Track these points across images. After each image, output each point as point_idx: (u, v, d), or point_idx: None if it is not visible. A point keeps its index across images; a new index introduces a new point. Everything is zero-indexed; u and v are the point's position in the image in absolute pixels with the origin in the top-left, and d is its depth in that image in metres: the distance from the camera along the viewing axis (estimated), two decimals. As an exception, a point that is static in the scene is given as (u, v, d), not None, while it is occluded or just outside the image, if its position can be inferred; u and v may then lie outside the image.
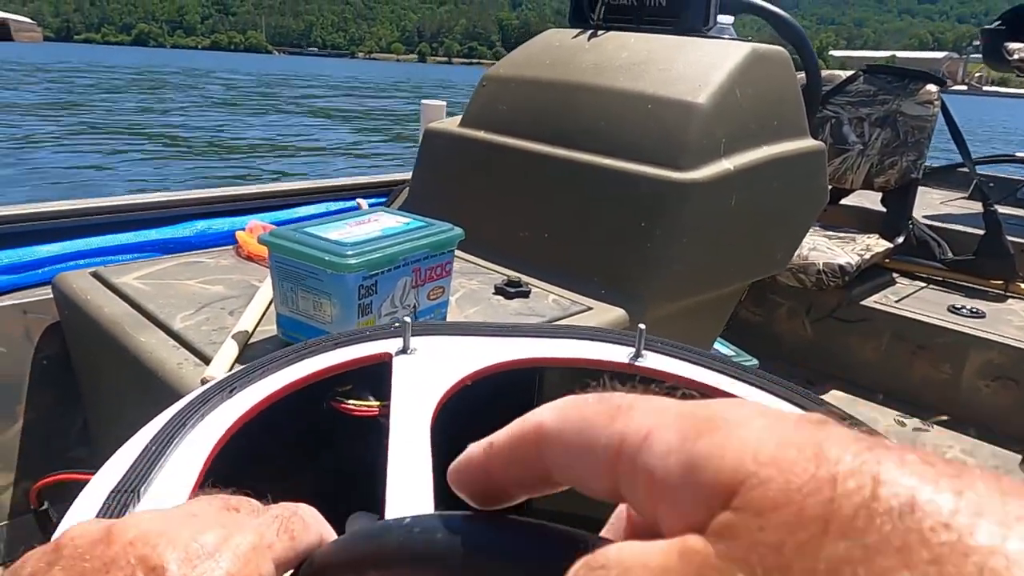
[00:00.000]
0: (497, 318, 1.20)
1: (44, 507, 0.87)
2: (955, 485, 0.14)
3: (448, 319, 1.15)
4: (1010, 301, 2.24)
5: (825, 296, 2.19)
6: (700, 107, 1.30)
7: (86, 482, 0.58)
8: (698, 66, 1.37)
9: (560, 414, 0.20)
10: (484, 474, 0.22)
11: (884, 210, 2.50)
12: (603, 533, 0.24)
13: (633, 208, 1.31)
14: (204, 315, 1.12)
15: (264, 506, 0.33)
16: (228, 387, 0.70)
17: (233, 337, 1.00)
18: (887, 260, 2.36)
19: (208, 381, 0.91)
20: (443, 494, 0.54)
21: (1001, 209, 2.44)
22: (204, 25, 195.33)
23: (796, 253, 2.07)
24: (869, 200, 2.64)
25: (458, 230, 1.07)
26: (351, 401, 0.81)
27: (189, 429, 0.63)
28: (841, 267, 2.06)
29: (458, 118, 1.68)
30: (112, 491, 0.53)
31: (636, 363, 0.83)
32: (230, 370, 0.95)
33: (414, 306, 1.04)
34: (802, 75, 1.98)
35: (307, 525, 0.31)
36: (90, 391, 1.30)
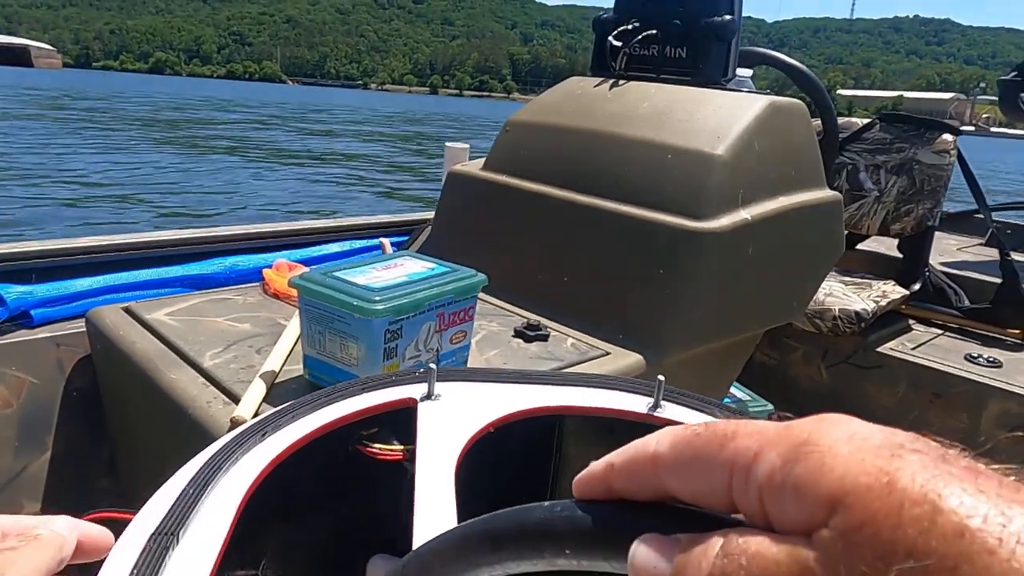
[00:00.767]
0: (516, 361, 1.22)
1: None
2: (1004, 515, 0.18)
3: (469, 362, 1.18)
4: None
5: (841, 341, 2.20)
6: (719, 158, 1.33)
7: (121, 521, 0.60)
8: (717, 118, 1.41)
9: (672, 446, 0.25)
10: (605, 488, 0.27)
11: (900, 256, 2.51)
12: None
13: (651, 255, 1.34)
14: (232, 353, 1.15)
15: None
16: (260, 431, 0.73)
17: (261, 377, 1.03)
18: (903, 307, 2.37)
19: (237, 421, 0.94)
20: None
21: (1019, 257, 2.45)
22: (220, 55, 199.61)
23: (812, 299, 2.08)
24: (885, 245, 2.65)
25: (481, 276, 1.10)
26: (376, 445, 0.83)
27: (224, 472, 0.66)
28: (857, 313, 2.07)
29: (481, 161, 1.73)
30: (153, 533, 0.56)
31: (654, 413, 0.85)
32: (257, 409, 0.97)
33: (437, 350, 1.07)
34: (818, 122, 2.02)
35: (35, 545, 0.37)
36: (118, 424, 1.33)
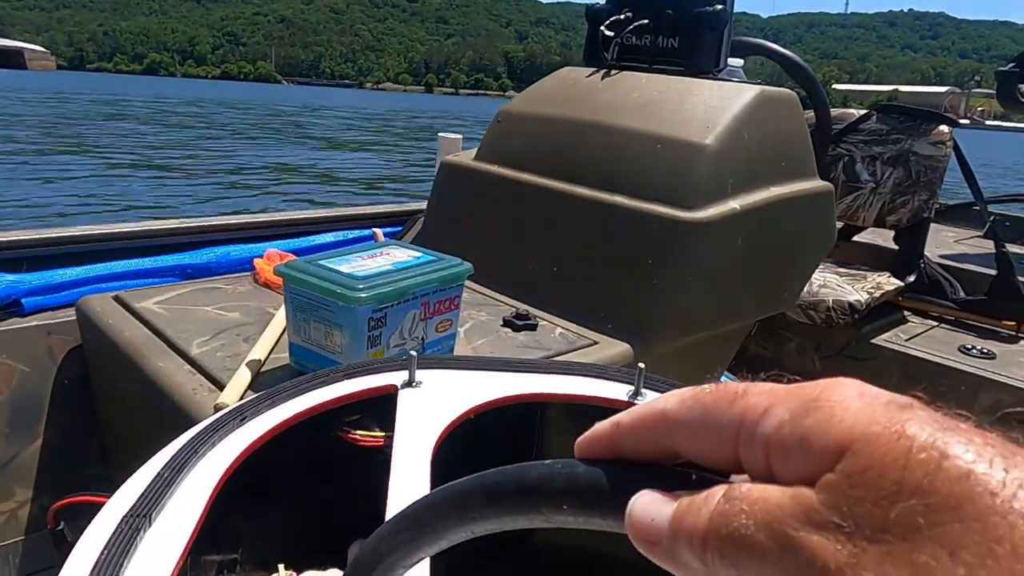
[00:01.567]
0: (504, 350, 1.23)
1: (60, 527, 0.90)
2: (1007, 463, 0.18)
3: (456, 350, 1.18)
4: (1022, 343, 2.23)
5: (835, 333, 2.20)
6: (708, 148, 1.33)
7: (101, 504, 0.61)
8: (707, 108, 1.41)
9: (681, 402, 0.25)
10: (610, 446, 0.27)
11: (896, 248, 2.51)
12: None
13: (640, 245, 1.34)
14: (220, 341, 1.15)
15: None
16: (240, 416, 0.73)
17: (247, 364, 1.03)
18: (899, 298, 2.36)
19: (221, 408, 0.95)
20: None
21: (1015, 249, 2.44)
22: (215, 55, 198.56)
23: (806, 289, 2.08)
24: (882, 237, 2.65)
25: (467, 265, 1.10)
26: (358, 431, 0.84)
27: (201, 456, 0.66)
28: (851, 304, 2.07)
29: (473, 151, 1.73)
30: (125, 515, 0.56)
31: (635, 401, 0.85)
32: (242, 397, 0.98)
33: (422, 338, 1.07)
34: (811, 114, 2.01)
35: None
36: (108, 411, 1.34)
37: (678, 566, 0.23)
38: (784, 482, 0.21)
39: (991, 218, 2.40)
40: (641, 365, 0.85)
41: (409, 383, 0.84)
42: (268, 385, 1.04)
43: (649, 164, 1.39)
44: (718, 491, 0.22)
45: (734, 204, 1.35)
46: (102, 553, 0.52)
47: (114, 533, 0.54)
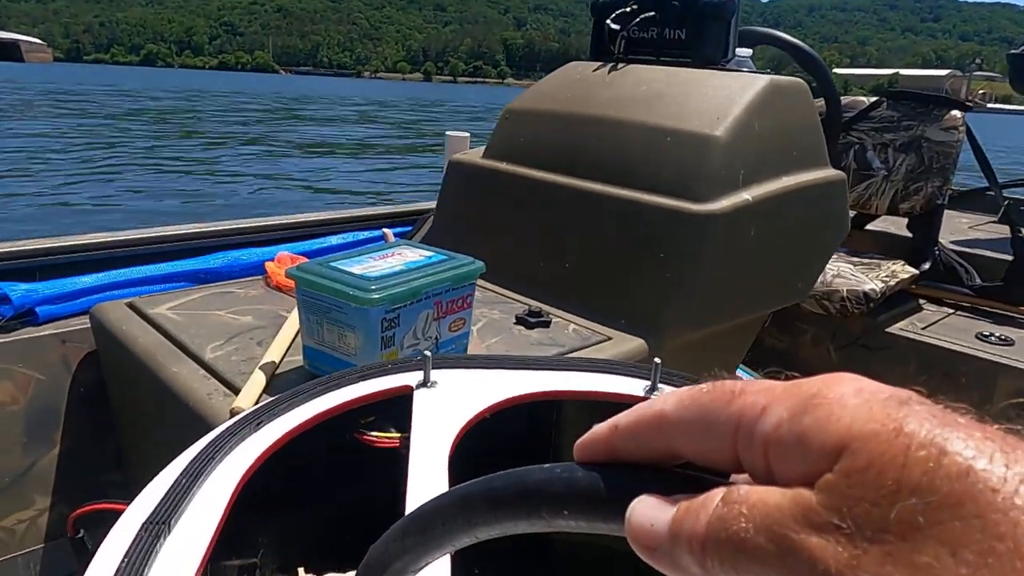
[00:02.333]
0: (518, 348, 1.22)
1: (80, 535, 0.90)
2: (1007, 458, 0.18)
3: (469, 349, 1.17)
4: None
5: (850, 323, 2.18)
6: (718, 139, 1.32)
7: (120, 512, 0.61)
8: (716, 99, 1.39)
9: (679, 403, 0.24)
10: (609, 449, 0.26)
11: (910, 235, 2.48)
12: None
13: (652, 239, 1.33)
14: (234, 345, 1.15)
15: None
16: (255, 420, 0.73)
17: (261, 368, 1.03)
18: (913, 286, 2.34)
19: (237, 412, 0.95)
20: None
21: None
22: (212, 45, 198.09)
23: (820, 279, 2.06)
24: (895, 225, 2.62)
25: (479, 263, 1.10)
26: (373, 433, 0.83)
27: (218, 462, 0.66)
28: (865, 294, 2.05)
29: (481, 149, 1.72)
30: (144, 523, 0.56)
31: (652, 396, 0.84)
32: (258, 401, 0.98)
33: (436, 338, 1.07)
34: (821, 103, 1.99)
35: None
36: (124, 418, 1.35)
37: (679, 571, 0.22)
38: (784, 482, 0.21)
39: (1006, 203, 2.37)
40: (657, 360, 0.85)
41: (424, 383, 0.83)
42: (283, 388, 1.04)
43: (659, 157, 1.38)
44: (716, 494, 0.22)
45: (746, 195, 1.34)
46: (122, 561, 0.52)
47: (134, 541, 0.54)
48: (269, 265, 1.48)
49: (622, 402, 0.87)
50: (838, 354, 2.26)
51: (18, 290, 1.35)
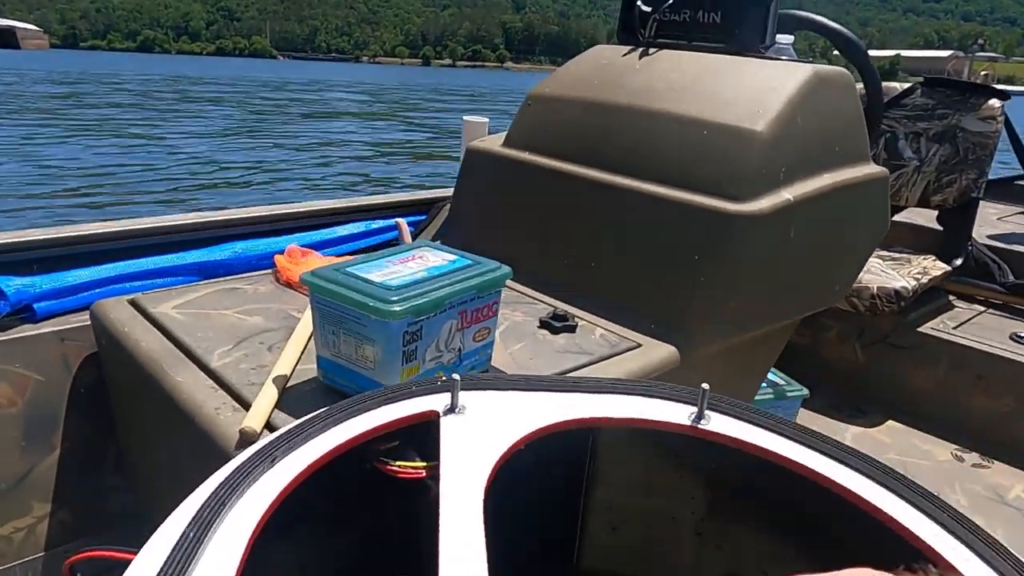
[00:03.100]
0: (543, 356, 1.15)
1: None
2: None
3: (492, 357, 1.10)
4: None
5: (878, 320, 2.10)
6: (759, 135, 1.23)
7: (122, 561, 0.55)
8: (756, 90, 1.30)
9: None
10: None
11: (939, 228, 2.39)
12: None
13: (686, 240, 1.25)
14: (243, 351, 1.08)
15: None
16: (269, 456, 0.66)
17: (272, 381, 0.96)
18: (943, 282, 2.26)
19: (247, 434, 0.88)
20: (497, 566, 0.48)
21: None
22: (209, 31, 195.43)
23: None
24: (923, 216, 2.53)
25: (506, 268, 1.02)
26: (396, 463, 0.76)
27: (230, 507, 0.59)
28: (897, 292, 1.97)
29: (501, 136, 1.63)
30: None
31: (699, 425, 0.77)
32: (268, 419, 0.91)
33: (460, 349, 1.00)
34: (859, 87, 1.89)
35: None
36: (127, 422, 1.28)
37: None
38: None
39: None
40: (705, 386, 0.78)
41: (452, 408, 0.76)
42: (296, 403, 0.97)
43: (694, 152, 1.29)
44: None
45: (787, 195, 1.26)
46: None
47: None
48: (279, 259, 1.41)
49: (666, 430, 0.79)
50: (864, 352, 2.19)
51: (14, 285, 1.28)
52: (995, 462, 1.92)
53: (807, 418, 2.04)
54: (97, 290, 1.35)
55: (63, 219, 7.22)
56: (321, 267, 0.96)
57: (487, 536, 0.60)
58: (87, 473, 1.36)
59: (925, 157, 2.34)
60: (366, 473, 0.77)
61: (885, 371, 2.13)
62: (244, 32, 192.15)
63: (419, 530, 0.81)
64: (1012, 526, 1.68)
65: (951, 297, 2.30)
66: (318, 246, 1.66)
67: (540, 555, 0.92)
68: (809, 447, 0.74)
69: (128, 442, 1.31)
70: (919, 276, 2.06)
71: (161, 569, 0.52)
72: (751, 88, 1.31)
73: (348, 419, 0.73)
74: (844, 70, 1.39)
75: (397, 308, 0.87)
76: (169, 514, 0.59)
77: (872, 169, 1.45)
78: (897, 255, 2.27)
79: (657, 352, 1.21)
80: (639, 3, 1.51)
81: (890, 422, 2.07)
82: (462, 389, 0.78)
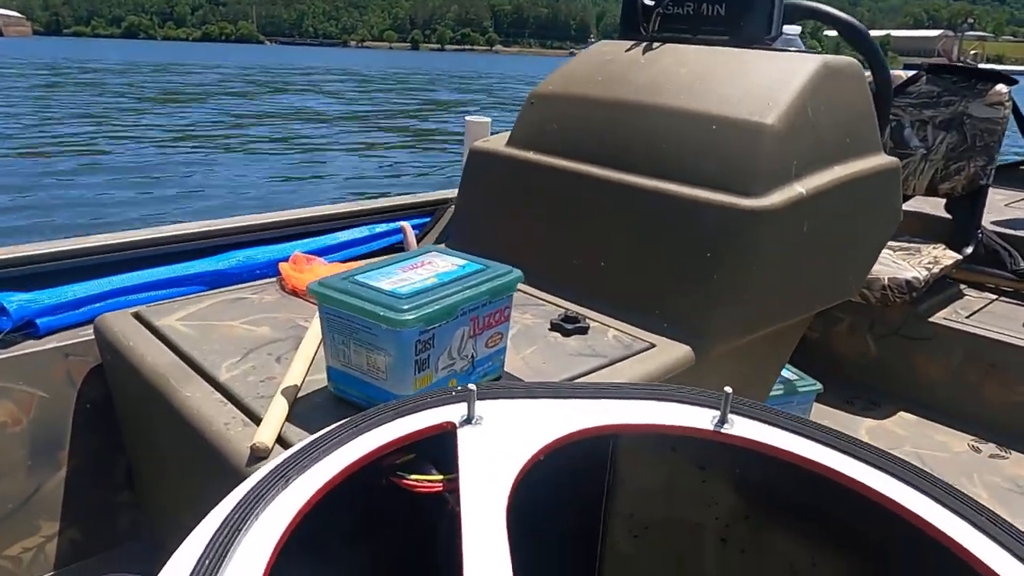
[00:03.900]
0: (556, 359, 1.13)
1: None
2: None
3: (504, 362, 1.08)
4: None
5: (889, 311, 2.08)
6: (770, 128, 1.21)
7: None
8: (765, 82, 1.28)
9: None
10: None
11: (947, 216, 2.36)
12: None
13: (697, 237, 1.23)
14: (250, 363, 1.06)
15: None
16: (283, 476, 0.64)
17: (282, 393, 0.94)
18: (954, 271, 2.23)
19: (258, 450, 0.86)
20: None
21: None
22: (195, 16, 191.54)
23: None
24: (930, 204, 2.50)
25: (517, 272, 1.00)
26: (413, 476, 0.74)
27: (245, 532, 0.57)
28: (908, 282, 1.94)
29: (505, 136, 1.61)
30: None
31: (722, 430, 0.75)
32: (279, 433, 0.89)
33: (472, 356, 0.97)
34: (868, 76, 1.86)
35: None
36: (134, 437, 1.26)
37: None
38: None
39: None
40: (728, 389, 0.76)
41: (468, 419, 0.74)
42: (307, 416, 0.95)
43: (704, 147, 1.27)
44: None
45: (799, 188, 1.23)
46: None
47: None
48: (283, 267, 1.39)
49: (689, 436, 0.77)
50: (877, 344, 2.16)
51: (17, 301, 1.26)
52: (1012, 452, 1.89)
53: (820, 412, 2.02)
54: (100, 303, 1.33)
55: (61, 226, 7.17)
56: (329, 276, 0.94)
57: (513, 550, 0.58)
58: (95, 490, 1.34)
59: (932, 145, 2.31)
60: (382, 488, 0.75)
61: (898, 363, 2.11)
62: (230, 17, 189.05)
63: (437, 544, 0.79)
64: None
65: (962, 286, 2.28)
66: (323, 252, 1.63)
67: (561, 565, 0.90)
68: (838, 450, 0.72)
69: (136, 458, 1.29)
70: (930, 266, 2.03)
71: None
72: (760, 81, 1.29)
73: (362, 434, 0.71)
74: (854, 60, 1.37)
75: (408, 316, 0.85)
76: (181, 536, 0.57)
77: (884, 160, 1.42)
78: (907, 245, 2.25)
79: (672, 352, 1.18)
80: None
81: (904, 414, 2.04)
82: (478, 399, 0.76)
